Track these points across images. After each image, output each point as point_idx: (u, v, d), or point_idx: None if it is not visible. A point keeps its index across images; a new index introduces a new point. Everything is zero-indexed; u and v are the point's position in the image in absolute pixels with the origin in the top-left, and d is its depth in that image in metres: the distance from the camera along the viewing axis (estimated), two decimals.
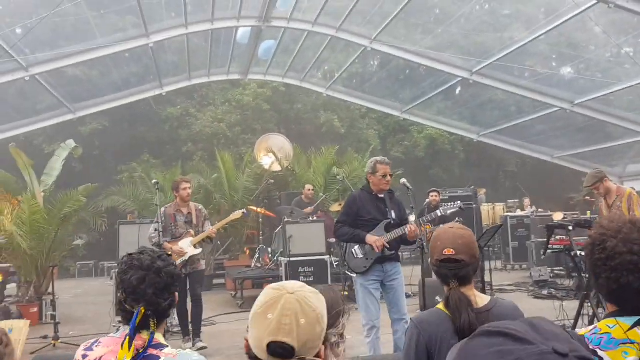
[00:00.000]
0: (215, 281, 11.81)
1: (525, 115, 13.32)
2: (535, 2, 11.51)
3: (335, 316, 2.13)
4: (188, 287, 6.54)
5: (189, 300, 6.58)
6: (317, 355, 1.40)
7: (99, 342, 2.02)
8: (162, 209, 6.66)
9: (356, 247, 4.96)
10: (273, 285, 1.49)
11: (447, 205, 5.05)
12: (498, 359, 0.71)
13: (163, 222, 6.54)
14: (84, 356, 1.98)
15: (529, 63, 12.07)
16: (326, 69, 15.45)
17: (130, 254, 2.09)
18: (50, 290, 8.14)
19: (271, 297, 1.40)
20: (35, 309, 8.19)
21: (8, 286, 9.00)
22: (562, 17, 9.05)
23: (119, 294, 2.05)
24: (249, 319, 1.42)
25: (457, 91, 14.64)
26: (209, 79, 14.51)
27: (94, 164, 16.85)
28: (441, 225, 2.48)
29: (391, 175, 4.91)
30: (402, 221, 4.88)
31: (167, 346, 2.02)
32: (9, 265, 8.62)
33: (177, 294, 2.10)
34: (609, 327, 1.56)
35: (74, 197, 8.63)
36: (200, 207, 6.95)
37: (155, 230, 6.45)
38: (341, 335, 2.15)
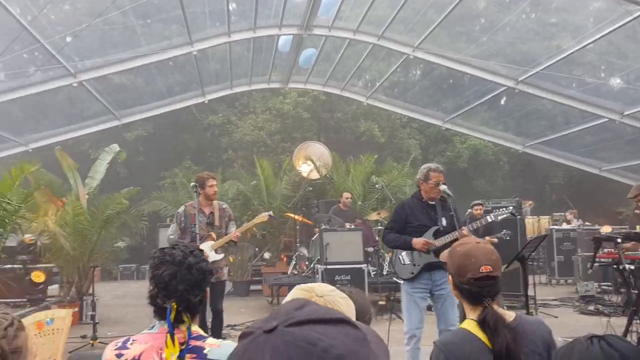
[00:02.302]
0: (252, 287, 11.85)
1: (573, 126, 12.91)
2: (583, 11, 11.21)
3: (367, 322, 2.05)
4: (209, 299, 5.63)
5: (208, 313, 5.90)
6: None
7: (134, 340, 1.99)
8: (182, 207, 5.99)
9: (403, 253, 4.85)
10: (303, 286, 1.45)
11: (497, 211, 4.82)
12: None
13: (182, 222, 5.86)
14: (119, 355, 1.95)
15: (577, 72, 11.74)
16: (367, 78, 15.37)
17: (162, 249, 2.08)
18: (90, 291, 8.31)
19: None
20: (76, 309, 8.35)
21: (50, 287, 9.24)
22: (611, 25, 8.74)
23: (150, 288, 2.03)
24: None
25: (502, 101, 14.35)
26: (250, 87, 14.63)
27: (138, 170, 17.23)
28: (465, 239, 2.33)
29: (444, 184, 4.75)
30: (454, 229, 4.64)
31: (208, 337, 2.02)
32: (52, 265, 8.84)
33: (208, 289, 2.08)
34: None
35: (116, 200, 8.79)
36: (225, 205, 6.16)
37: (173, 231, 5.87)
38: None
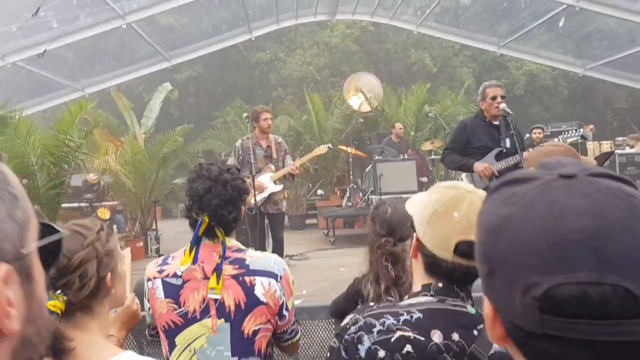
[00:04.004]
0: (307, 221, 12.04)
1: (639, 44, 12.11)
2: None
3: (406, 234, 2.03)
4: (270, 229, 6.05)
5: (268, 242, 6.10)
6: None
7: (173, 257, 2.05)
8: (239, 141, 6.06)
9: (463, 175, 4.74)
10: (443, 184, 1.39)
11: (567, 133, 4.61)
12: (504, 206, 0.63)
13: (241, 156, 5.90)
14: (160, 271, 2.01)
15: None
16: (417, 5, 14.79)
17: (201, 164, 2.11)
18: (154, 226, 8.66)
19: (451, 195, 1.31)
20: (141, 244, 8.73)
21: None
22: None
23: (186, 201, 2.06)
24: (423, 218, 1.32)
25: (561, 21, 13.58)
26: (297, 21, 14.34)
27: (190, 111, 17.50)
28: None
29: (503, 97, 4.57)
30: (517, 152, 4.47)
31: (247, 249, 2.05)
32: (115, 202, 9.24)
33: (243, 208, 2.08)
34: None
35: (171, 138, 9.01)
36: (280, 139, 6.23)
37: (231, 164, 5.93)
38: None
